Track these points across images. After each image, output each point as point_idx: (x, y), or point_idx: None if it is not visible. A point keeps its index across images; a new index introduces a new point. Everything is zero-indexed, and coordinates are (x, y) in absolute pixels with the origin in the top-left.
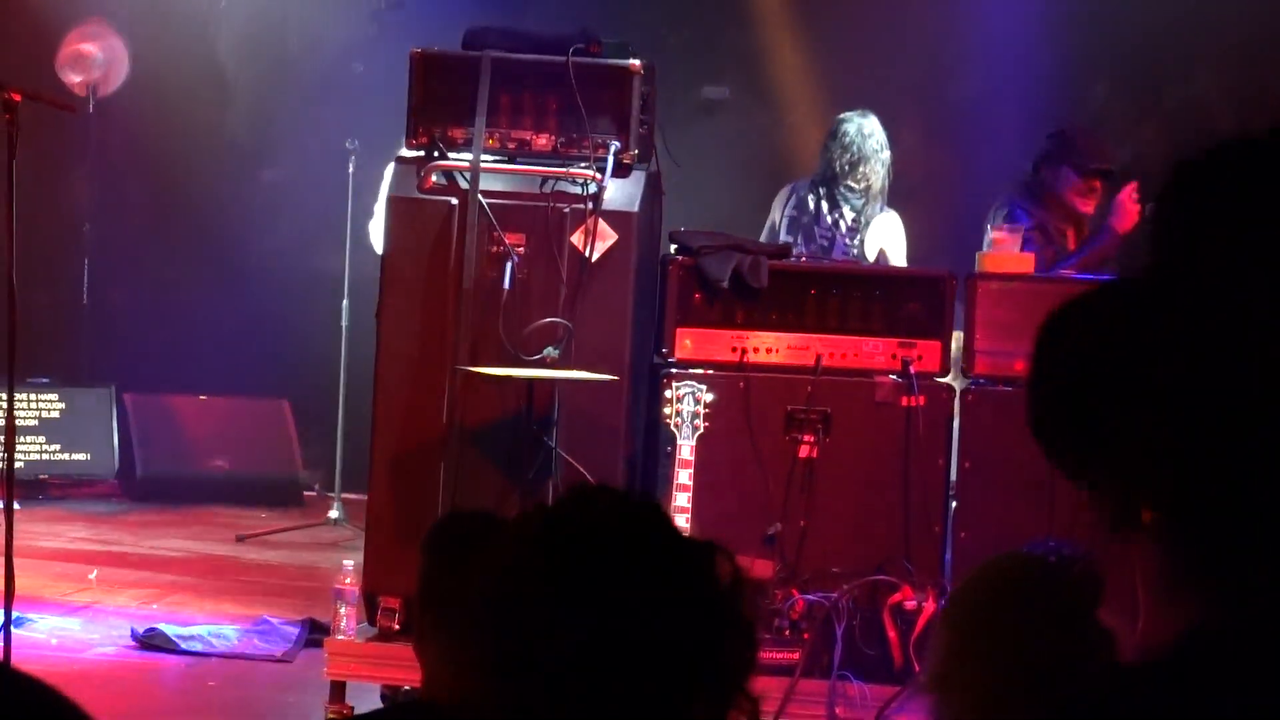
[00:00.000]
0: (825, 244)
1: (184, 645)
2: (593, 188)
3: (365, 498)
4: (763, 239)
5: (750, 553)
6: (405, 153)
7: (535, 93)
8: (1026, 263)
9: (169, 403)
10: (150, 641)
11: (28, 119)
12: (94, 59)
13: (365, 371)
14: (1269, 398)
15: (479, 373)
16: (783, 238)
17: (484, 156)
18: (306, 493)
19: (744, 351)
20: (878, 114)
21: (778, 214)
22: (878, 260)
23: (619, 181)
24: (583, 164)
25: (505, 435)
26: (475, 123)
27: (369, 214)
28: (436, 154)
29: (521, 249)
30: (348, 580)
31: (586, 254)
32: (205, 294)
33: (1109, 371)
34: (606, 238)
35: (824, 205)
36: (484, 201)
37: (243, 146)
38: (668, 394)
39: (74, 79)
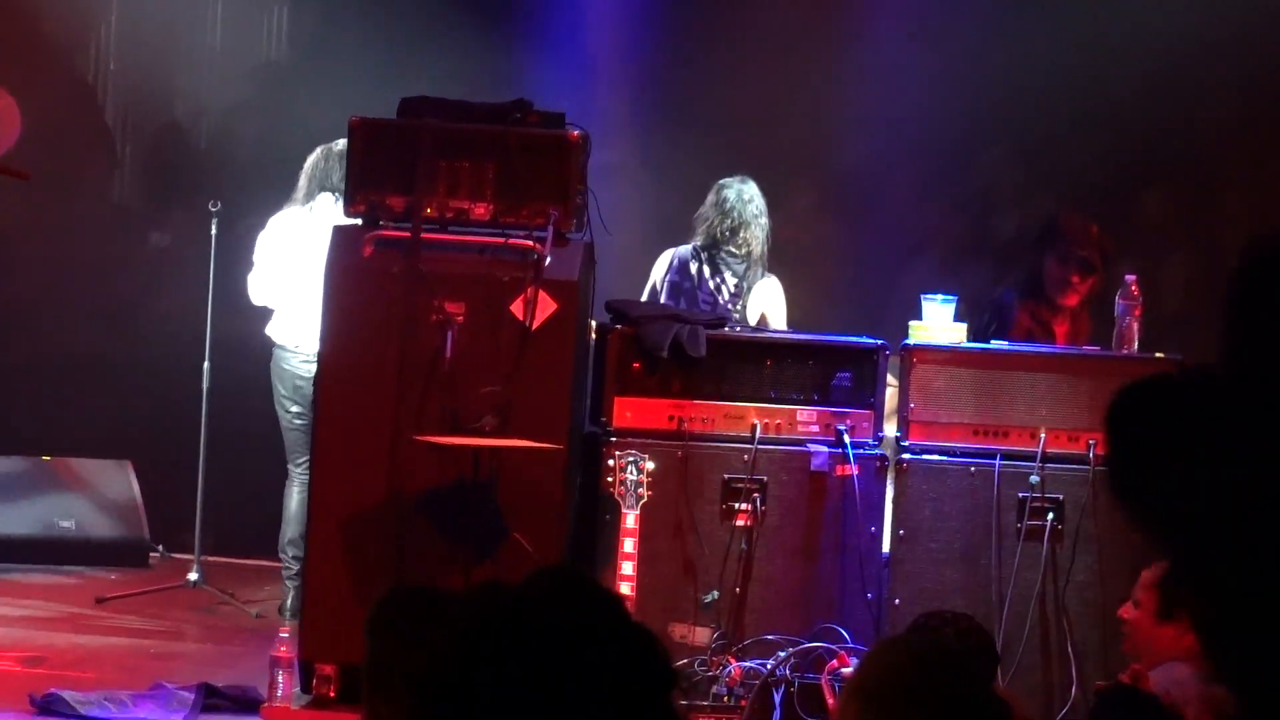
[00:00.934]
0: (707, 309)
1: (83, 710)
2: (534, 257)
3: (224, 559)
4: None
5: (688, 620)
6: (343, 220)
7: (473, 162)
8: (959, 332)
9: (10, 463)
10: (50, 708)
11: None
12: None
13: (227, 433)
14: None
15: (433, 441)
16: (664, 302)
17: (423, 226)
18: (151, 554)
19: (681, 421)
20: (767, 180)
21: (658, 278)
22: (759, 325)
23: (558, 250)
24: (521, 233)
25: (449, 504)
26: (415, 192)
27: (245, 269)
28: (376, 222)
29: (461, 318)
30: (283, 648)
31: (527, 323)
32: (90, 354)
33: (1174, 459)
34: (547, 307)
35: (705, 270)
36: (425, 270)
37: (130, 209)
38: (610, 463)
39: None
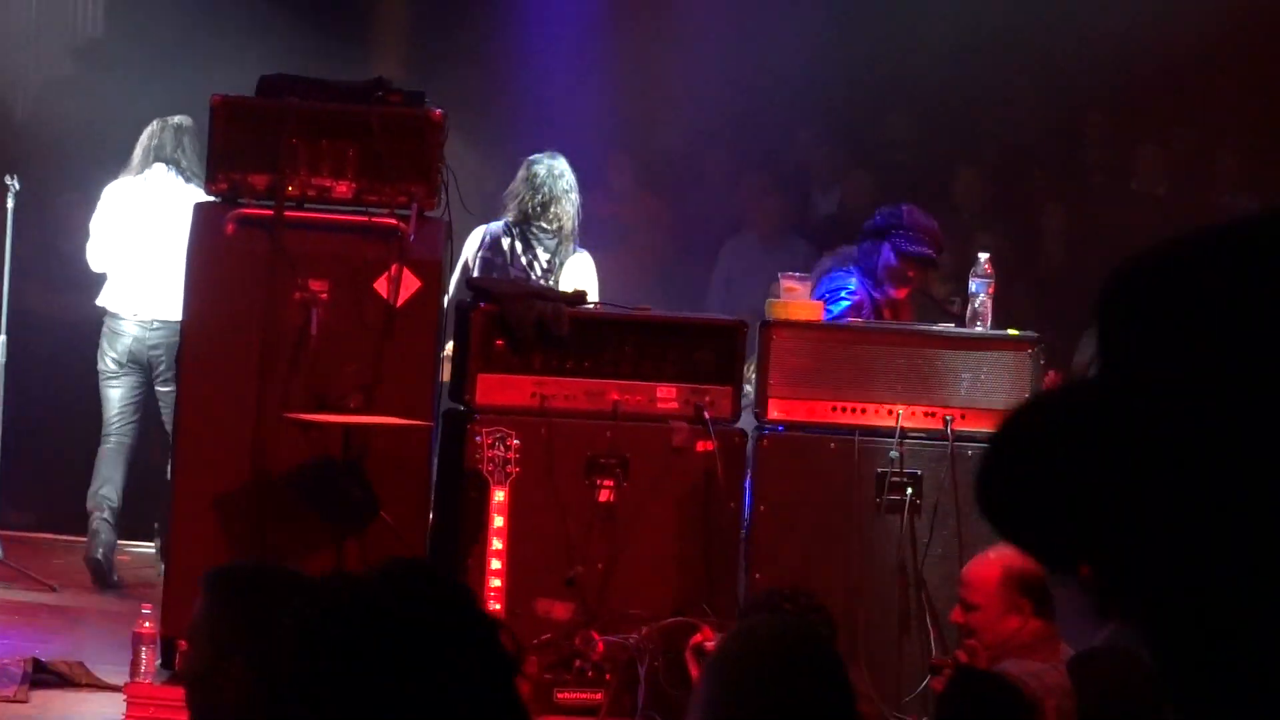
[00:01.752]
0: None
1: None
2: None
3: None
4: (453, 280)
5: (551, 596)
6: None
7: (334, 140)
8: (816, 310)
9: None
10: None
11: None
12: None
13: (25, 408)
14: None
15: (303, 419)
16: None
17: (285, 204)
18: None
19: (544, 398)
20: (587, 159)
21: (470, 254)
22: None
23: (420, 229)
24: (384, 211)
25: (318, 480)
26: (278, 170)
27: (58, 244)
28: (238, 200)
29: (325, 296)
30: (146, 624)
31: (391, 301)
32: None
33: (1058, 474)
34: (411, 285)
35: (518, 246)
36: (288, 249)
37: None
38: (477, 440)
39: None
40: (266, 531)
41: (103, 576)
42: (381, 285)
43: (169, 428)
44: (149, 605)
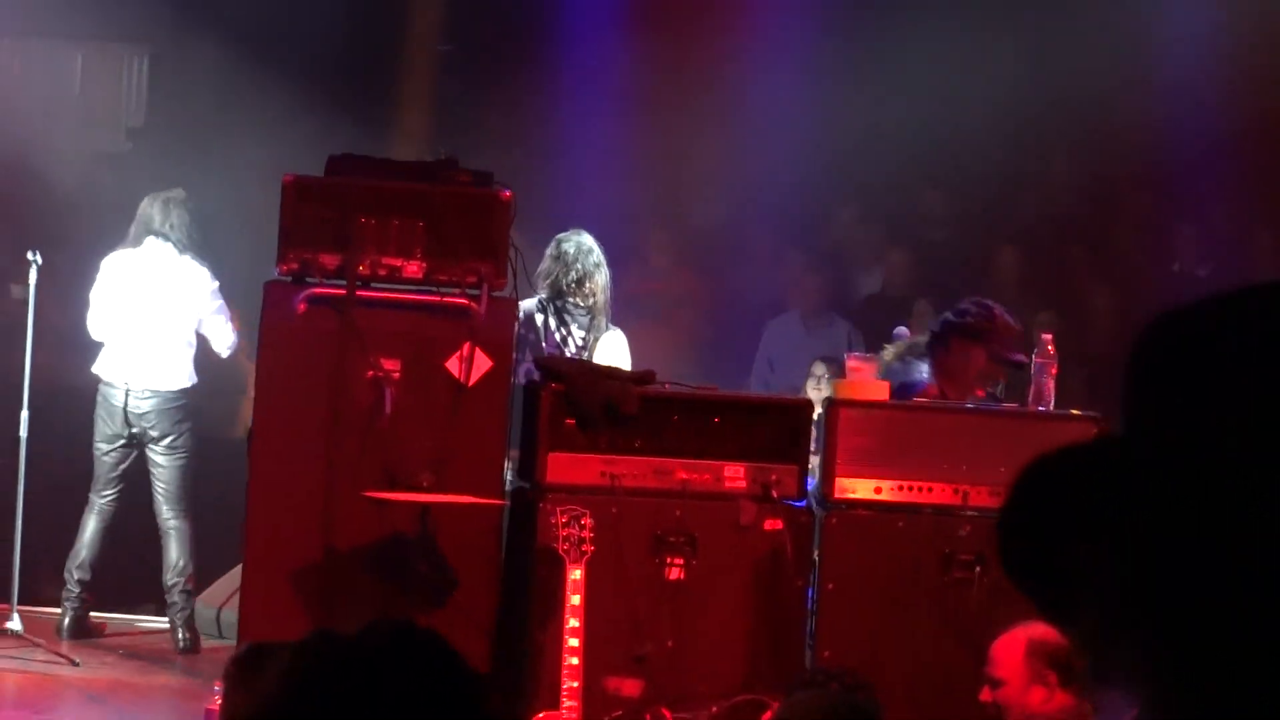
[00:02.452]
0: None
1: None
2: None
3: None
4: None
5: (621, 674)
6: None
7: (403, 219)
8: (882, 390)
9: None
10: None
11: None
12: None
13: (46, 483)
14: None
15: (379, 497)
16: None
17: (356, 284)
18: None
19: (612, 476)
20: (625, 236)
21: None
22: None
23: (490, 308)
24: (454, 290)
25: (384, 559)
26: (348, 249)
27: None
28: (307, 279)
29: (397, 374)
30: (217, 699)
31: (463, 380)
32: None
33: (1075, 530)
34: (483, 364)
35: (552, 322)
36: (360, 327)
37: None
38: (552, 518)
39: None
40: (336, 608)
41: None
42: (453, 364)
43: (161, 495)
44: (219, 684)
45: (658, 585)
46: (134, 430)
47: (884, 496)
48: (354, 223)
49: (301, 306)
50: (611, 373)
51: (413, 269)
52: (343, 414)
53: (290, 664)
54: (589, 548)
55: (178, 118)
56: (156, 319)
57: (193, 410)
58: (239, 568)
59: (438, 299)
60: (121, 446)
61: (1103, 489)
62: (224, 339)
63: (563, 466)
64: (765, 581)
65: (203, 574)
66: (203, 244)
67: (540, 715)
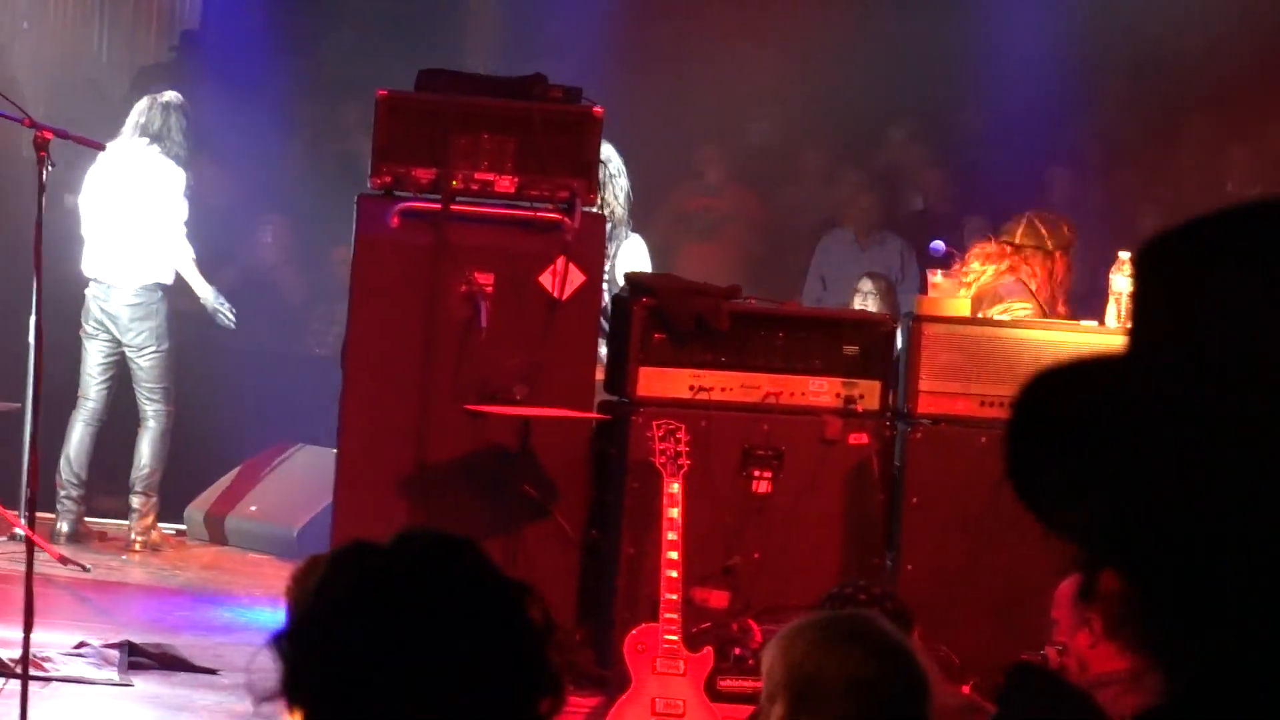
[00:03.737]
0: None
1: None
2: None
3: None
4: None
5: (708, 585)
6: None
7: (495, 135)
8: (964, 306)
9: None
10: None
11: None
12: None
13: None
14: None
15: (481, 410)
16: None
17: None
18: None
19: (701, 390)
20: (679, 152)
21: None
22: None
23: (582, 223)
24: (545, 205)
25: (477, 472)
26: (441, 165)
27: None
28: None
29: (490, 288)
30: None
31: (556, 294)
32: None
33: (1086, 436)
34: (575, 279)
35: None
36: (452, 243)
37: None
38: (648, 433)
39: None
40: (426, 520)
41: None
42: (546, 278)
43: (141, 397)
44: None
45: (745, 498)
46: (109, 327)
47: (966, 411)
48: (448, 138)
49: (395, 220)
50: (700, 288)
51: (505, 184)
52: (437, 328)
53: (324, 574)
54: (685, 461)
55: (233, 24)
56: (136, 217)
57: (167, 307)
58: (232, 473)
59: (531, 214)
60: (99, 342)
61: (1106, 400)
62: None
63: (652, 380)
64: (850, 495)
65: (197, 480)
66: (193, 153)
67: (639, 627)
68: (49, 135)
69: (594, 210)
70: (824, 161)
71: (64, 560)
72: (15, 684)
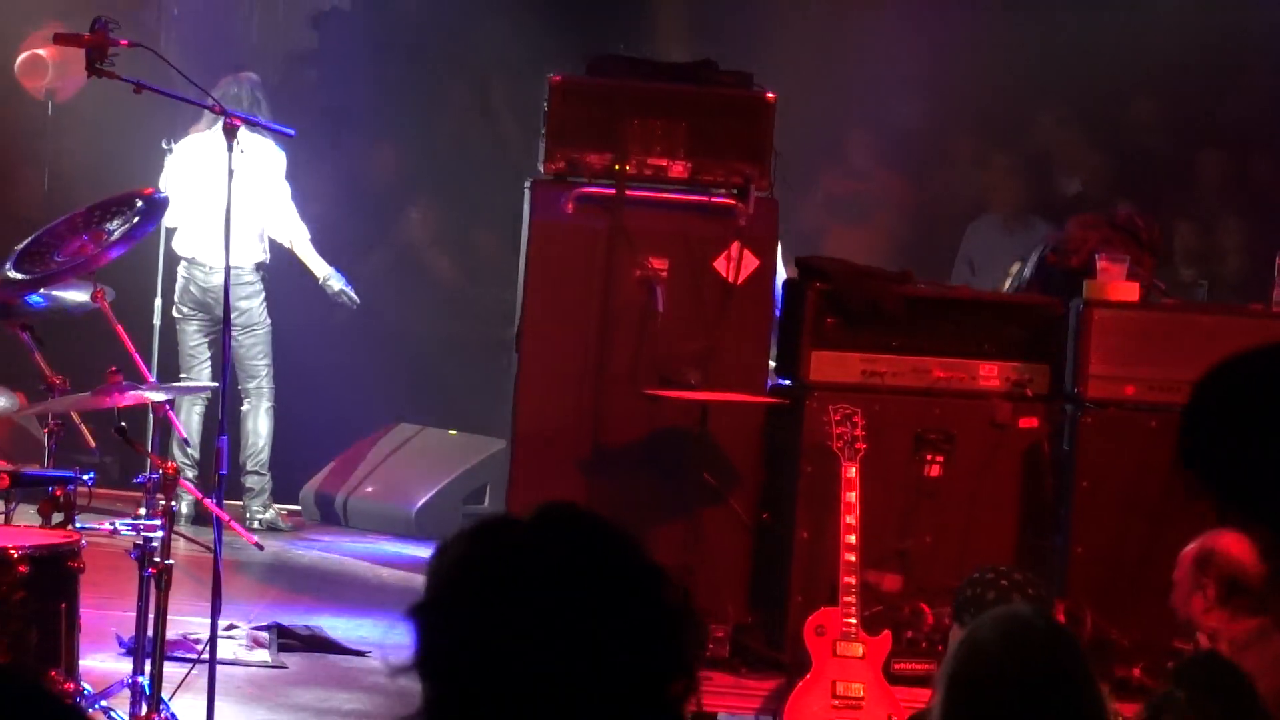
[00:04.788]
0: None
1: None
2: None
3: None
4: None
5: (881, 569)
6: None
7: (667, 120)
8: (1132, 291)
9: None
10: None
11: None
12: (51, 64)
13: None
14: None
15: (658, 394)
16: None
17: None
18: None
19: (874, 375)
20: (827, 135)
21: None
22: None
23: (755, 208)
24: (719, 190)
25: (652, 456)
26: (616, 150)
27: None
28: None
29: (665, 273)
30: None
31: (730, 279)
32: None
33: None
34: (749, 263)
35: None
36: (627, 227)
37: None
38: (824, 417)
39: (32, 83)
40: (601, 503)
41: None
42: (721, 263)
43: (244, 375)
44: None
45: (917, 482)
46: (207, 307)
47: (1136, 395)
48: (621, 123)
49: (569, 206)
50: (873, 272)
51: (678, 169)
52: (612, 312)
53: (463, 548)
54: (861, 445)
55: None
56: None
57: (265, 287)
58: (345, 453)
59: (705, 199)
60: (196, 322)
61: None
62: (291, 226)
63: (825, 364)
64: (1021, 478)
65: (307, 462)
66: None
67: (818, 610)
68: (237, 122)
69: (766, 195)
70: (973, 146)
71: (260, 546)
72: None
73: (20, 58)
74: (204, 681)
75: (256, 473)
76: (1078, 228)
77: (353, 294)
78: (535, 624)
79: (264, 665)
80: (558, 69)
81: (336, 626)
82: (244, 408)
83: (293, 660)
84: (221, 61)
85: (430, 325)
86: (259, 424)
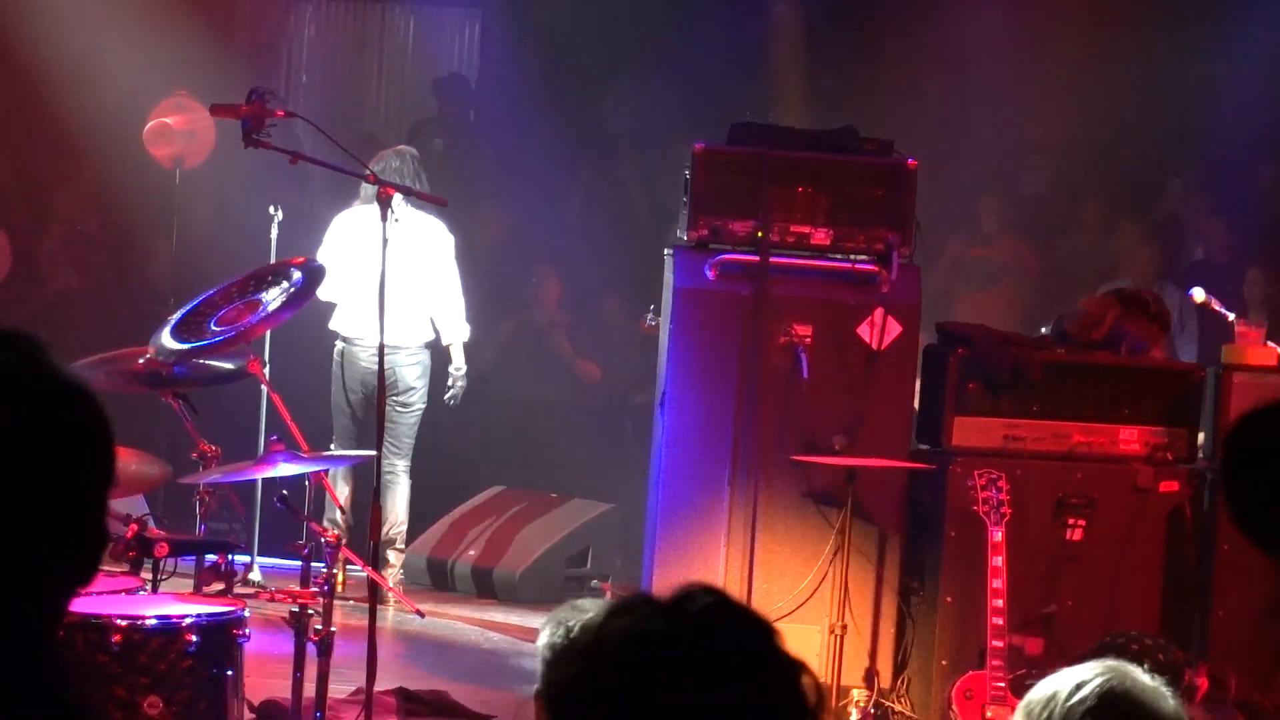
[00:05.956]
0: None
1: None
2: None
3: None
4: None
5: (1024, 632)
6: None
7: (809, 187)
8: (1270, 356)
9: None
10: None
11: (112, 192)
12: (180, 132)
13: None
14: None
15: (806, 460)
16: None
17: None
18: None
19: (1015, 440)
20: (956, 201)
21: None
22: None
23: (898, 275)
24: (862, 258)
25: (797, 521)
26: (758, 217)
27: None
28: (714, 246)
29: (809, 339)
30: None
31: (874, 345)
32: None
33: None
34: (893, 330)
35: None
36: (771, 294)
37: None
38: (969, 482)
39: (159, 153)
40: (744, 571)
41: None
42: (864, 330)
43: (392, 452)
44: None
45: (1059, 546)
46: (371, 387)
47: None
48: (764, 190)
49: (714, 272)
50: (1012, 338)
51: (820, 236)
52: (757, 378)
53: (603, 623)
54: (1007, 510)
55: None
56: (398, 276)
57: (431, 365)
58: (449, 517)
59: (848, 265)
60: (359, 403)
61: None
62: (454, 311)
63: (968, 430)
64: (1164, 542)
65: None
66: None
67: (967, 674)
68: (391, 191)
69: (908, 261)
70: (1101, 211)
71: (420, 613)
72: None
73: (148, 126)
74: None
75: (398, 549)
76: (1092, 304)
77: (458, 397)
78: (681, 716)
79: None
80: (685, 138)
81: (453, 691)
82: (386, 479)
83: None
84: (350, 131)
85: (536, 390)
86: (396, 502)
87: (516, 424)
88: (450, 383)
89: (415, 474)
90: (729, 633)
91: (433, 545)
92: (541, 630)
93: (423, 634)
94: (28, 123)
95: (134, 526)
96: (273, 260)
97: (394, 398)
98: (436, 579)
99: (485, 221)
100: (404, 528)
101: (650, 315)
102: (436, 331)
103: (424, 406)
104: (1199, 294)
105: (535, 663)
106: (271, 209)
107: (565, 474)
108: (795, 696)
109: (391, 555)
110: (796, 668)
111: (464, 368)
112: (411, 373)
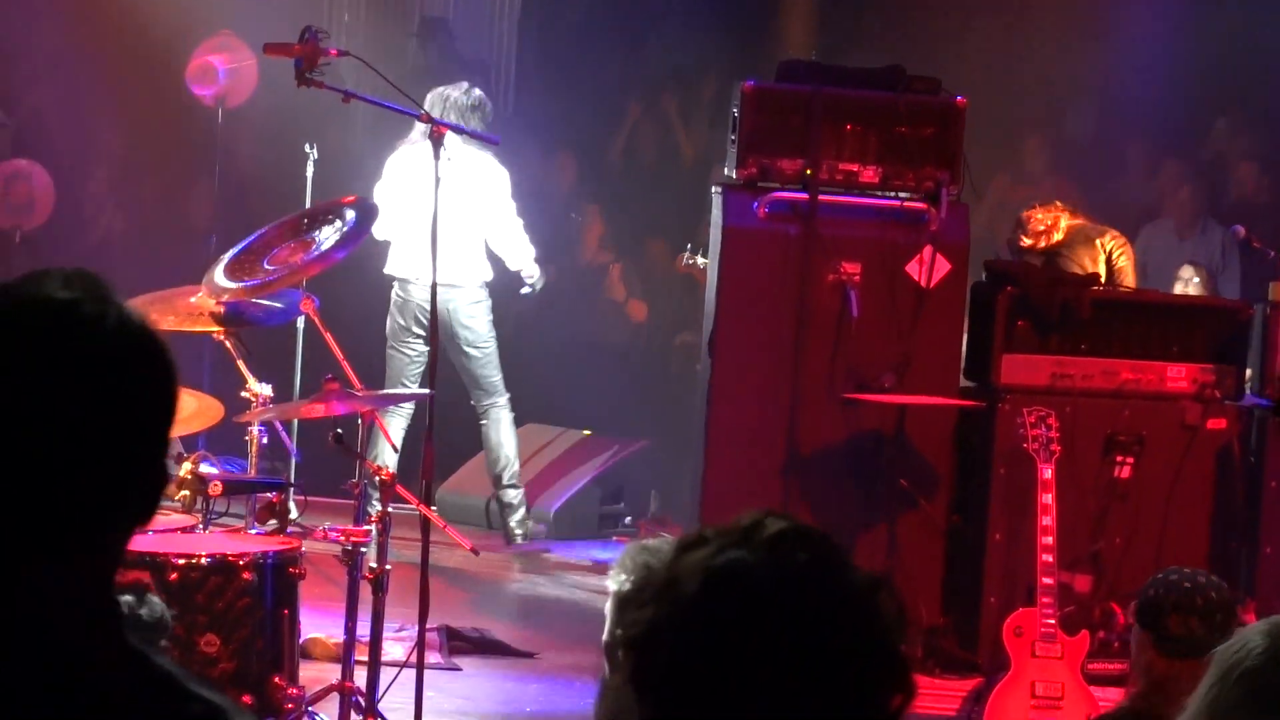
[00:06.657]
0: None
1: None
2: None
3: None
4: None
5: (1072, 570)
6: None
7: (858, 126)
8: None
9: None
10: None
11: (155, 132)
12: (221, 71)
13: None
14: None
15: (856, 398)
16: None
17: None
18: None
19: (1064, 378)
20: (1001, 141)
21: None
22: None
23: (947, 213)
24: (910, 195)
25: (847, 460)
26: (808, 156)
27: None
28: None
29: (858, 278)
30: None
31: (923, 283)
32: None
33: None
34: (942, 268)
35: None
36: (820, 233)
37: (359, 158)
38: (1018, 420)
39: (202, 92)
40: (795, 508)
41: None
42: (913, 268)
43: (480, 393)
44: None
45: (1108, 484)
46: (426, 327)
47: None
48: (812, 129)
49: (763, 211)
50: (1062, 277)
51: (869, 174)
52: (807, 317)
53: (673, 564)
54: (1056, 448)
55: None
56: (451, 214)
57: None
58: (479, 456)
59: (898, 204)
60: (416, 343)
61: None
62: (517, 244)
63: (1016, 368)
64: (1211, 479)
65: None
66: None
67: (1017, 611)
68: (444, 130)
69: (957, 200)
70: (1146, 152)
71: (475, 550)
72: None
73: (191, 64)
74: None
75: (512, 485)
76: (1039, 213)
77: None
78: (755, 643)
79: (438, 668)
80: (730, 77)
81: (496, 629)
82: (484, 422)
83: (464, 663)
84: (396, 72)
85: (579, 329)
86: (503, 437)
87: (556, 363)
88: (527, 279)
89: (451, 408)
90: (805, 558)
91: (467, 483)
92: (613, 573)
93: (460, 571)
94: (71, 64)
95: (190, 463)
96: (308, 198)
97: (463, 345)
98: (471, 516)
99: (535, 162)
100: (516, 465)
101: (687, 254)
102: (501, 269)
103: (493, 344)
104: (1240, 231)
105: (605, 607)
106: (307, 147)
107: (602, 412)
108: (880, 614)
109: (510, 495)
110: (876, 583)
111: (537, 273)
112: (474, 312)
